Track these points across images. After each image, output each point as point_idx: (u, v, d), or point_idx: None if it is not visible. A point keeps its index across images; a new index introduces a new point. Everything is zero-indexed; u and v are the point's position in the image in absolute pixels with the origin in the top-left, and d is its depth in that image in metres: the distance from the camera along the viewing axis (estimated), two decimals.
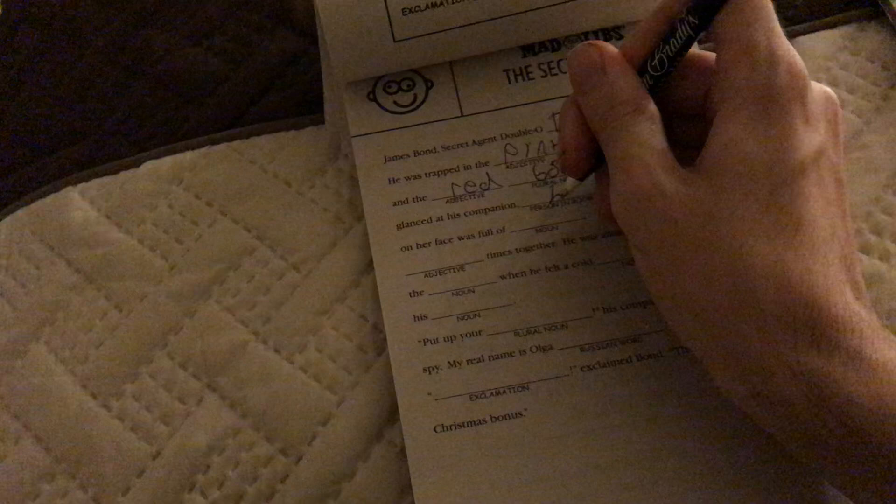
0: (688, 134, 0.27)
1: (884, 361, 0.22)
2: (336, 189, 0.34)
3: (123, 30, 0.39)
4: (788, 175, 0.23)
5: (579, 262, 0.31)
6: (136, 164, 0.35)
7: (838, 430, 0.22)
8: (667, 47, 0.26)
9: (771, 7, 0.24)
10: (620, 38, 0.35)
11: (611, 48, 0.27)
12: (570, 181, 0.29)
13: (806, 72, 0.24)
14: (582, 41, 0.34)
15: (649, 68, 0.26)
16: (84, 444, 0.30)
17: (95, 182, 0.35)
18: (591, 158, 0.28)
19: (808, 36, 0.35)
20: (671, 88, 0.27)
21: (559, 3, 0.32)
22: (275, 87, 0.37)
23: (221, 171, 0.34)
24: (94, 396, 0.31)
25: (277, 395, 0.30)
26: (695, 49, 0.27)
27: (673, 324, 0.25)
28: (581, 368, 0.29)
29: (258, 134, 0.35)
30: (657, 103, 0.26)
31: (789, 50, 0.24)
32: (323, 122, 0.35)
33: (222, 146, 0.35)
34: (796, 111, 0.23)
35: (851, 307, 0.22)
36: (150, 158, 0.35)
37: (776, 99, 0.23)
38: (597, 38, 0.35)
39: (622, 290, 0.30)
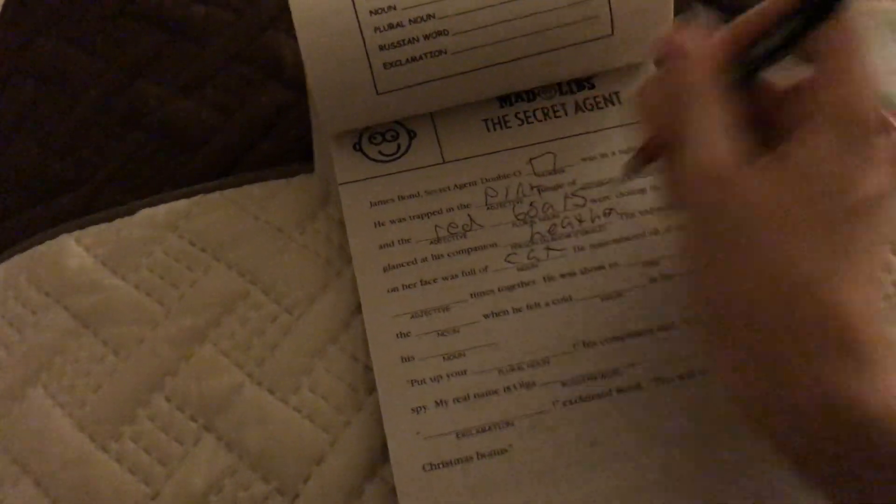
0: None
1: None
2: (326, 234, 0.35)
3: (117, 81, 0.41)
4: (852, 208, 0.24)
5: (559, 300, 0.33)
6: (132, 212, 0.36)
7: (857, 445, 0.22)
8: (762, 44, 0.26)
9: (868, 37, 0.25)
10: (592, 87, 0.37)
11: (708, 37, 0.26)
12: (628, 166, 0.30)
13: (889, 113, 0.25)
14: (556, 91, 0.37)
15: (741, 62, 0.26)
16: (83, 486, 0.31)
17: (91, 229, 0.36)
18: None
19: None
20: (750, 93, 0.27)
21: (532, 55, 0.33)
22: (266, 136, 0.38)
23: (215, 218, 0.36)
24: (93, 439, 0.32)
25: (273, 435, 0.31)
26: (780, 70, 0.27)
27: (701, 309, 0.26)
28: (563, 403, 0.31)
29: (250, 182, 0.36)
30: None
31: (877, 86, 0.25)
32: (313, 171, 0.37)
33: (216, 194, 0.36)
34: (875, 147, 0.24)
35: (881, 334, 0.23)
36: (145, 206, 0.36)
37: (861, 131, 0.24)
38: (569, 89, 0.37)
39: (601, 325, 0.32)
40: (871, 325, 0.23)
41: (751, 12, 0.27)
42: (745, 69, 0.26)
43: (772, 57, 0.26)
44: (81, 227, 0.37)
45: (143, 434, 0.32)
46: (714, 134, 0.25)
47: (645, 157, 0.29)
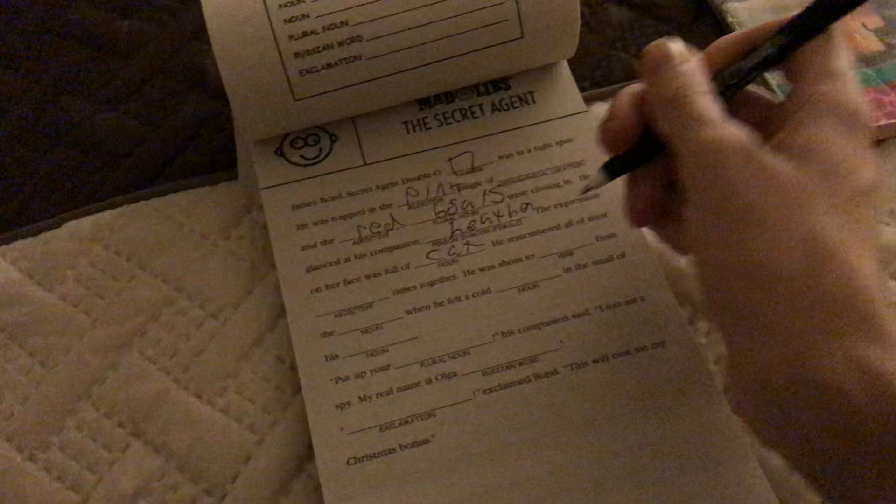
0: None
1: None
2: (251, 239, 0.36)
3: (41, 98, 0.41)
4: (860, 189, 0.24)
5: (479, 292, 0.33)
6: (57, 226, 0.37)
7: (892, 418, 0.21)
8: (744, 62, 0.28)
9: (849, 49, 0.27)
10: (508, 87, 0.38)
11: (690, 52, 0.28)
12: (598, 178, 0.30)
13: None
14: (474, 92, 0.38)
15: (724, 76, 0.28)
16: (11, 497, 0.31)
17: (17, 244, 0.36)
18: (631, 138, 0.29)
19: None
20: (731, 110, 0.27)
21: (446, 59, 0.34)
22: (190, 146, 0.39)
23: (140, 227, 0.36)
24: (20, 450, 0.32)
25: (200, 437, 0.32)
26: (755, 88, 0.29)
27: (719, 293, 0.25)
28: (483, 392, 0.31)
29: (175, 191, 0.37)
30: None
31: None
32: (237, 177, 0.37)
33: (140, 204, 0.37)
34: (868, 140, 0.25)
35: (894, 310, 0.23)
36: (71, 219, 0.37)
37: (858, 121, 0.25)
38: (486, 90, 0.38)
39: (519, 315, 0.33)
40: (886, 301, 0.23)
41: (726, 38, 0.29)
42: (728, 84, 0.28)
43: (748, 73, 0.28)
44: (7, 243, 0.37)
45: (72, 443, 0.32)
46: (724, 117, 0.26)
47: (617, 168, 0.30)
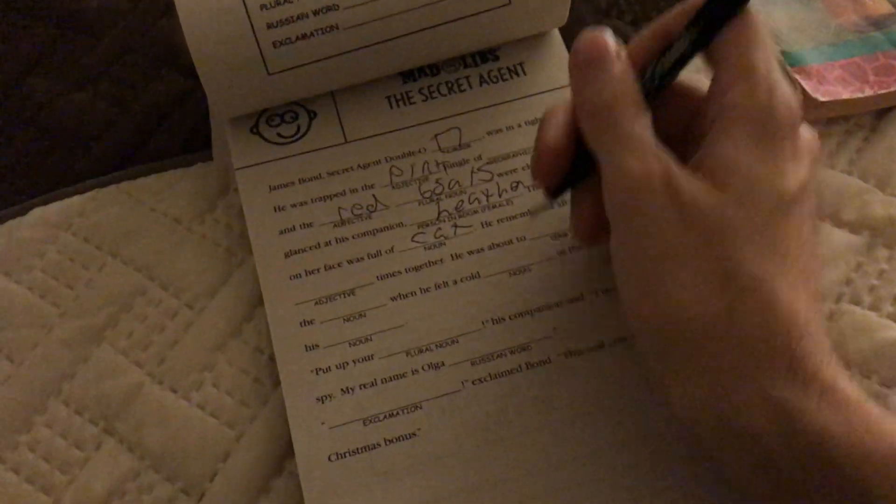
0: None
1: (856, 398, 0.22)
2: (227, 223, 0.34)
3: (7, 79, 0.39)
4: (781, 204, 0.23)
5: (467, 277, 0.32)
6: (24, 213, 0.35)
7: (810, 464, 0.21)
8: (662, 61, 0.25)
9: (768, 35, 0.25)
10: (496, 59, 0.36)
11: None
12: (541, 202, 0.29)
13: (800, 105, 0.24)
14: (460, 64, 0.36)
15: (645, 80, 0.25)
16: None
17: None
18: (566, 166, 0.27)
19: None
20: (657, 109, 0.26)
21: (429, 28, 0.32)
22: (163, 127, 0.37)
23: (110, 213, 0.34)
24: None
25: (176, 434, 0.30)
26: (686, 76, 0.27)
27: (643, 335, 0.25)
28: (472, 382, 0.30)
29: (146, 174, 0.35)
30: None
31: (785, 81, 0.24)
32: (212, 159, 0.35)
33: (111, 188, 0.35)
34: (788, 142, 0.24)
35: (825, 341, 0.22)
36: (38, 206, 0.35)
37: (773, 126, 0.23)
38: (473, 62, 0.36)
39: (510, 301, 0.31)
40: (814, 330, 0.22)
41: (637, 39, 0.27)
42: (649, 89, 0.26)
43: (665, 77, 0.26)
44: None
45: (41, 442, 0.31)
46: (650, 143, 0.24)
47: (557, 187, 0.28)
